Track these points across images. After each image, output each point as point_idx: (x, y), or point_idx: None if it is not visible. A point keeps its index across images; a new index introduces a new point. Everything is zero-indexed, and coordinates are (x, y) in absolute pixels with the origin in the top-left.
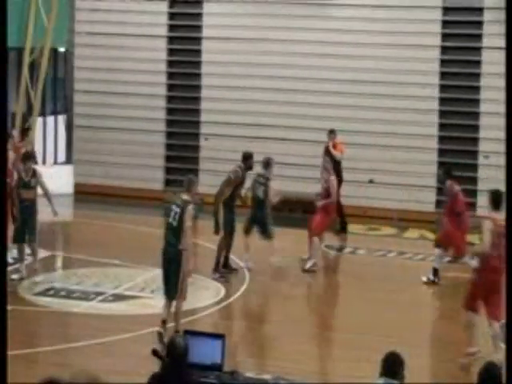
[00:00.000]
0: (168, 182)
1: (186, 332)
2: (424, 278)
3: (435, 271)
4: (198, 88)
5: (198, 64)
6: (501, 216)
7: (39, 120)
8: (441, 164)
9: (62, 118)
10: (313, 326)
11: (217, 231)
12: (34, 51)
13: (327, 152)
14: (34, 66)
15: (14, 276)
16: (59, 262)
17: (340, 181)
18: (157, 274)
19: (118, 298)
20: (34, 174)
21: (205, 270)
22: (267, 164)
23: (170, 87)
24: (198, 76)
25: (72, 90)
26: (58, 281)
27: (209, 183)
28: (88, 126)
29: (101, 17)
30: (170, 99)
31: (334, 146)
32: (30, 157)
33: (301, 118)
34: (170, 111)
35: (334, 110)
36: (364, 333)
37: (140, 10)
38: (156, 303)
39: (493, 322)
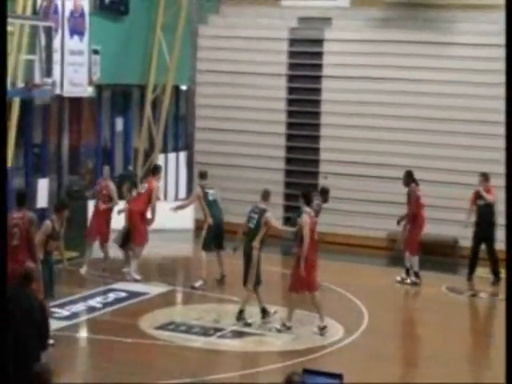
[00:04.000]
0: (286, 220)
1: (305, 371)
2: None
3: (407, 271)
4: (317, 126)
5: (317, 102)
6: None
7: (161, 156)
8: None
9: (183, 155)
10: (432, 366)
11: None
12: (156, 89)
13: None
14: (156, 104)
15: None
16: (180, 297)
17: (492, 224)
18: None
19: (236, 334)
20: None
21: (327, 310)
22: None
23: (290, 125)
24: (317, 114)
25: (193, 127)
26: (178, 316)
27: (328, 222)
28: (208, 163)
29: (222, 55)
30: (289, 137)
31: (488, 190)
32: None
33: (421, 157)
34: (289, 149)
35: (457, 151)
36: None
37: (260, 49)
38: (272, 341)
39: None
